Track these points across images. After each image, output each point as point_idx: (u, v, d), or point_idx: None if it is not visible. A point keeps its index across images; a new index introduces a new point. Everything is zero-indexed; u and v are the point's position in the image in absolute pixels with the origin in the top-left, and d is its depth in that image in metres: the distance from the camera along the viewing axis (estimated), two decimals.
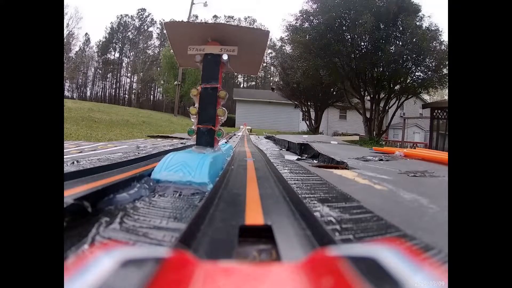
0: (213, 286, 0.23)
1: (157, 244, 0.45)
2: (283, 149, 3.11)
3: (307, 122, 16.10)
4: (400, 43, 8.92)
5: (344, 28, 9.36)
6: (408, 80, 9.73)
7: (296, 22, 10.02)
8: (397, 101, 10.31)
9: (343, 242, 0.46)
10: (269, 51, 49.73)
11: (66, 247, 0.40)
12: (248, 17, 51.26)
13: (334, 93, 14.48)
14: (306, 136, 5.34)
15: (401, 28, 8.90)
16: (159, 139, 3.73)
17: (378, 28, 8.80)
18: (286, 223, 0.54)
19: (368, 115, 10.41)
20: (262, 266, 0.29)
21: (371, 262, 0.23)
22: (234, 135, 6.18)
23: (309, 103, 15.57)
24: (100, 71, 49.26)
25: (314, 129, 15.16)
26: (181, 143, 2.82)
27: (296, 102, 16.55)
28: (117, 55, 49.53)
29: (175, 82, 20.49)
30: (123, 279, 0.21)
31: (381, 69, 9.48)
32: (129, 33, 50.48)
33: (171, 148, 2.13)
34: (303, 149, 2.62)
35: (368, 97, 10.37)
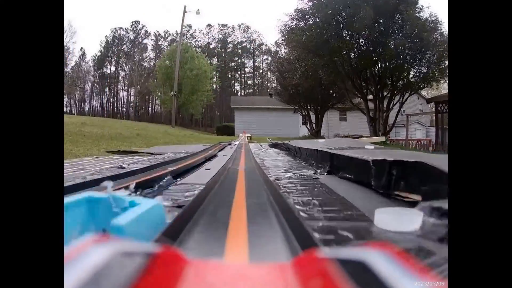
0: (203, 283, 0.23)
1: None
2: (320, 171, 1.53)
3: (308, 126, 15.74)
4: (401, 35, 8.59)
5: (341, 25, 9.02)
6: (411, 75, 9.41)
7: (291, 22, 9.69)
8: (400, 98, 9.94)
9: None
10: (265, 57, 49.99)
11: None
12: (242, 24, 51.50)
13: (334, 94, 14.17)
14: (322, 140, 4.41)
15: (400, 21, 8.59)
16: (116, 156, 2.78)
17: (378, 22, 8.45)
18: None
19: (371, 115, 10.01)
20: (251, 266, 0.31)
21: (360, 265, 0.23)
22: (229, 144, 4.68)
23: (308, 107, 15.26)
24: (97, 86, 49.34)
25: (315, 133, 14.79)
26: (142, 163, 1.84)
27: (295, 107, 16.22)
28: (113, 68, 49.68)
29: (171, 93, 20.08)
30: (114, 272, 0.21)
31: (382, 65, 9.13)
32: (124, 46, 50.63)
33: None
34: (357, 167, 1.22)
35: (371, 96, 10.01)
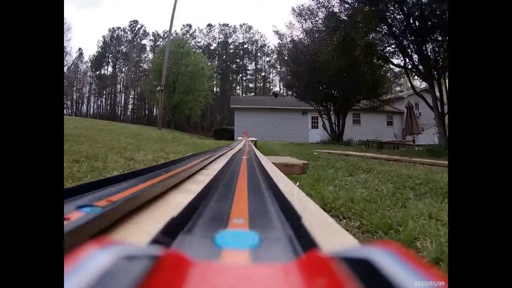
0: (208, 285, 0.23)
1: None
2: None
3: (328, 128, 12.51)
4: None
5: None
6: None
7: None
8: None
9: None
10: (267, 58, 47.11)
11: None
12: (244, 24, 48.68)
13: (364, 85, 11.09)
14: None
15: None
16: None
17: None
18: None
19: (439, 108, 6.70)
20: (255, 266, 0.30)
21: (365, 263, 0.22)
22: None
23: (329, 105, 12.18)
24: (95, 87, 46.75)
25: (337, 137, 11.51)
26: None
27: (313, 105, 13.07)
28: (110, 69, 47.07)
29: (158, 88, 16.81)
30: (117, 277, 0.20)
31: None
32: (122, 47, 47.90)
33: None
34: None
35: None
